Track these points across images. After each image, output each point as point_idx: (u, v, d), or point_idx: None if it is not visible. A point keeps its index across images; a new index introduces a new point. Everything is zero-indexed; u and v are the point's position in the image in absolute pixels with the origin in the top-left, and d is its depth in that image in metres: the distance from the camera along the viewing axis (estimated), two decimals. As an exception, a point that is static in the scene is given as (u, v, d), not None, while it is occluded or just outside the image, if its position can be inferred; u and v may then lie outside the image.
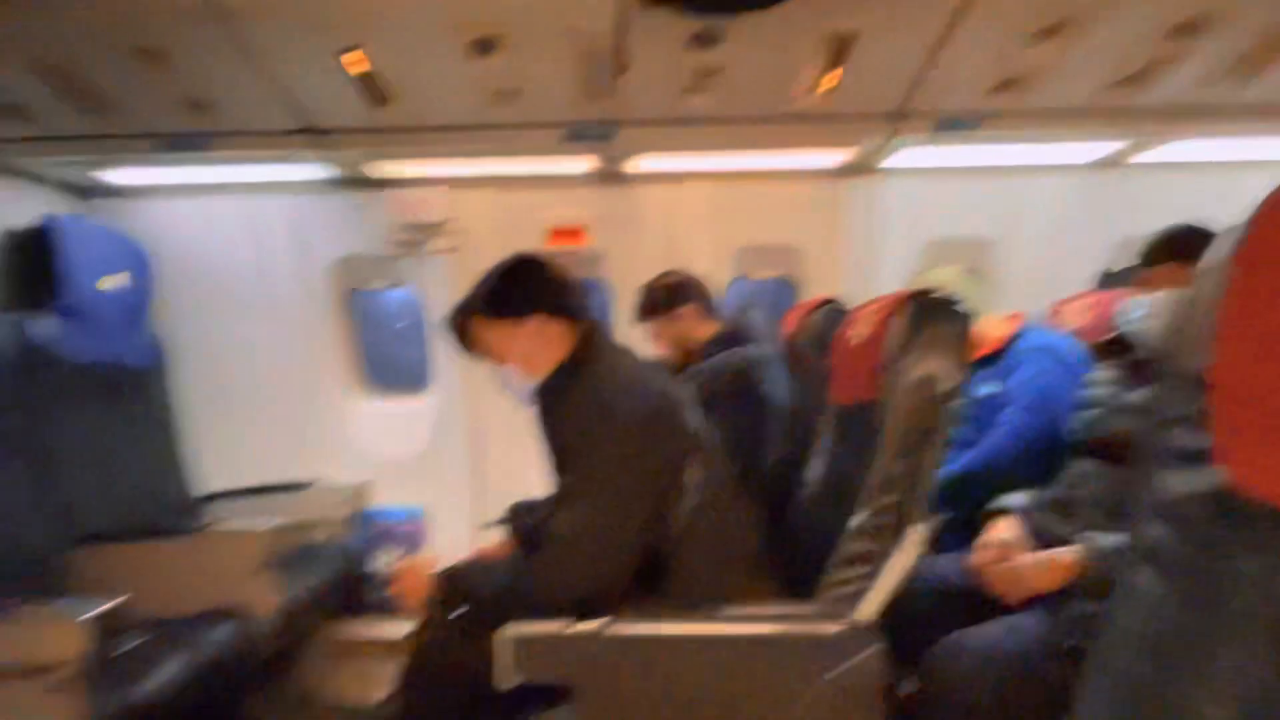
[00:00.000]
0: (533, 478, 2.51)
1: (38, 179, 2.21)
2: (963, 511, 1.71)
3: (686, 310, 1.94)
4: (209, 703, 1.64)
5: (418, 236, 2.38)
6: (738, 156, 2.32)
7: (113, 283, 2.16)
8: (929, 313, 1.20)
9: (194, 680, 1.54)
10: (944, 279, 1.79)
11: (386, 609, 2.32)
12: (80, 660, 1.27)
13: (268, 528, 1.85)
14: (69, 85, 1.78)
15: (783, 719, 1.17)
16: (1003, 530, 1.40)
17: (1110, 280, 2.50)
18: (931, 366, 1.17)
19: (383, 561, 2.42)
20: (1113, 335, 1.40)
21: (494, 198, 2.43)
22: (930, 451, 1.17)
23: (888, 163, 2.33)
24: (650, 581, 1.29)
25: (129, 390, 2.23)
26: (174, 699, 1.48)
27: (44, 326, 1.95)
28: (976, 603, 1.41)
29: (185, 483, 2.37)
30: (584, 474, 1.22)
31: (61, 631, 1.27)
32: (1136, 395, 1.32)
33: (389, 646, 2.28)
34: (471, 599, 1.24)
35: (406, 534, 2.51)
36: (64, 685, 1.27)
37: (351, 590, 2.31)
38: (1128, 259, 2.47)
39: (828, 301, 1.70)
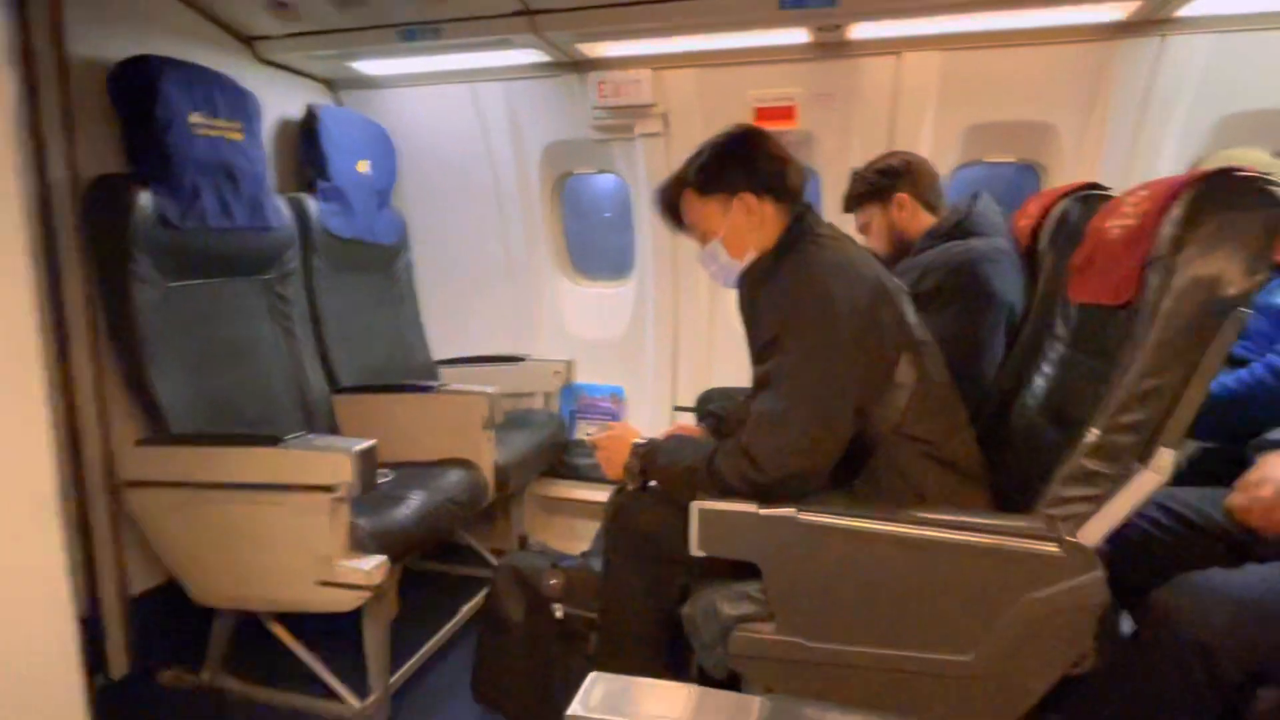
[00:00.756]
0: (724, 367, 2.56)
1: (299, 72, 2.49)
2: (1221, 440, 1.47)
3: (904, 198, 1.76)
4: (441, 533, 1.93)
5: (624, 120, 2.37)
6: (975, 18, 1.98)
7: (363, 166, 2.42)
8: (1224, 198, 0.98)
9: (430, 513, 1.81)
10: (1246, 163, 1.45)
11: (587, 474, 2.54)
12: (348, 484, 1.53)
13: (492, 392, 2.07)
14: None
15: (980, 632, 1.12)
16: (1281, 466, 1.18)
17: None
18: (1217, 265, 0.96)
19: (586, 432, 2.63)
20: None
21: (700, 77, 2.33)
22: (1200, 367, 0.99)
23: (1177, 14, 1.88)
24: (852, 477, 1.27)
25: (377, 264, 2.55)
26: (414, 526, 1.75)
27: (313, 205, 2.26)
28: (1221, 544, 1.23)
29: (422, 348, 2.71)
30: (791, 359, 1.18)
31: (335, 460, 1.53)
32: None
33: (588, 507, 2.52)
34: (665, 472, 1.29)
35: (607, 410, 2.69)
36: (336, 503, 1.55)
37: (558, 454, 2.54)
38: None
39: (1085, 187, 1.45)
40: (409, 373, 2.58)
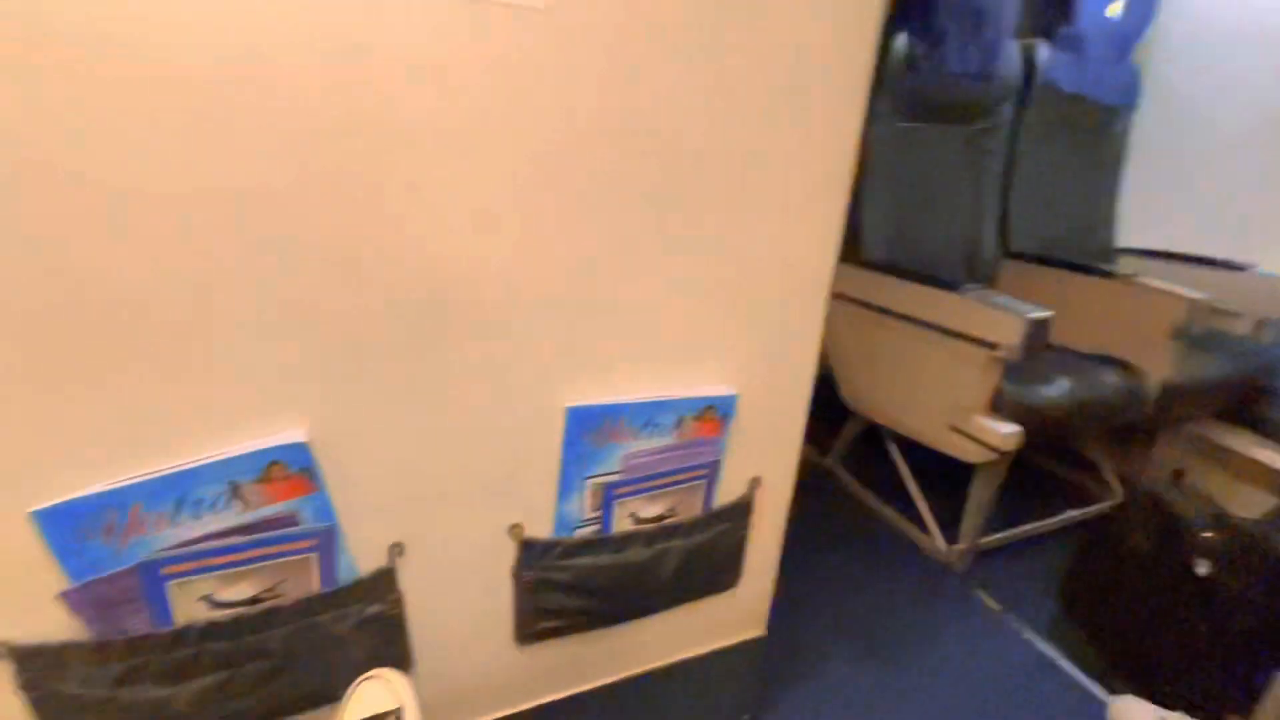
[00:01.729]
0: None
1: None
2: None
3: None
4: (1075, 430, 1.79)
5: None
6: None
7: (1116, 9, 2.12)
8: None
9: (1076, 405, 1.70)
10: None
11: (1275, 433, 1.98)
12: (1011, 347, 1.53)
13: (1196, 297, 1.73)
14: None
15: None
16: None
17: None
18: None
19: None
20: None
21: None
22: None
23: None
24: None
25: (1093, 124, 2.28)
26: (1056, 411, 1.68)
27: (1043, 54, 2.11)
28: None
29: (1108, 227, 2.40)
30: None
31: (1008, 321, 1.54)
32: None
33: (1264, 471, 1.99)
34: None
35: (1355, 364, 1.97)
36: (993, 361, 1.59)
37: (1247, 398, 2.03)
38: None
39: None
40: (1085, 253, 2.34)
